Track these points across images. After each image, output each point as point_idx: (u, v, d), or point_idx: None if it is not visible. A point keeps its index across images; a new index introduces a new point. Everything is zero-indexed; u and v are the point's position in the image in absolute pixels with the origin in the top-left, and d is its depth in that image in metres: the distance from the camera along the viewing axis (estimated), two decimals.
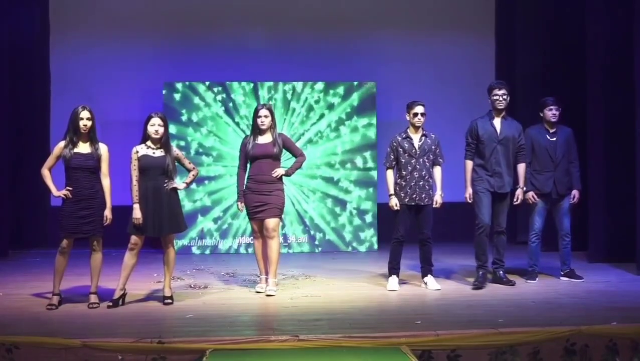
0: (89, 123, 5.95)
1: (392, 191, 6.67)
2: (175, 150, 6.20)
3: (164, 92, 9.56)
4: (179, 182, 6.15)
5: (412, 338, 4.77)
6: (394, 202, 6.62)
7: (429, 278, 6.68)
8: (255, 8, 10.29)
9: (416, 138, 6.63)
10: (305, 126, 9.73)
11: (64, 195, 5.89)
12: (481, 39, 10.57)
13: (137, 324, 5.34)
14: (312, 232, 9.70)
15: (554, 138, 7.04)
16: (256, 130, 6.49)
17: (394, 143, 6.69)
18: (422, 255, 6.72)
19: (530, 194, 7.00)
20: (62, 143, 5.97)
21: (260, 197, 6.40)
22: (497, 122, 6.71)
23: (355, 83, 9.82)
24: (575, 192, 7.09)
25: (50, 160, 6.00)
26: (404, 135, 6.68)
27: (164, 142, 6.06)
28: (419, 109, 6.61)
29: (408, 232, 6.67)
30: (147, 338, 4.69)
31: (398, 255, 6.70)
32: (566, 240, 7.16)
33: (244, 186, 6.52)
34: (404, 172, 6.62)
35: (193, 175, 6.26)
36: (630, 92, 7.56)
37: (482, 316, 5.44)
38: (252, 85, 9.69)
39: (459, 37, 10.42)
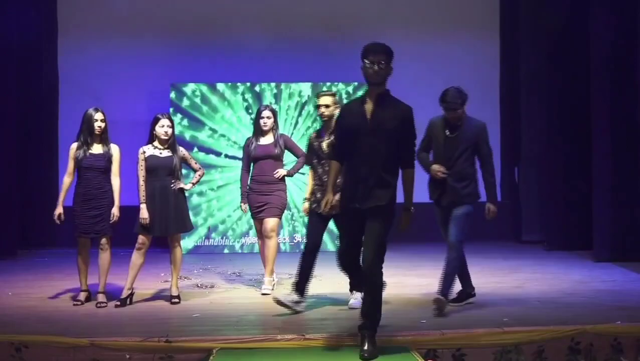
0: (103, 124, 6.02)
1: (306, 195, 6.00)
2: (182, 151, 6.23)
3: (171, 92, 9.59)
4: (185, 182, 6.19)
5: (417, 337, 4.77)
6: (304, 207, 6.00)
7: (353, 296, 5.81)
8: (260, 10, 10.27)
9: (325, 137, 5.78)
10: (308, 127, 9.73)
11: (56, 218, 6.00)
12: (486, 39, 10.51)
13: (144, 323, 5.36)
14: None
15: (454, 134, 5.63)
16: (258, 131, 6.53)
17: (308, 142, 6.00)
18: None
19: (436, 167, 5.62)
20: (74, 145, 6.03)
21: (262, 197, 6.42)
22: (369, 104, 4.58)
23: (361, 84, 9.83)
24: (489, 207, 5.64)
25: (69, 165, 6.06)
26: (315, 135, 5.95)
27: (171, 142, 6.10)
28: (322, 100, 5.76)
29: (318, 242, 5.76)
30: (155, 337, 4.70)
31: (304, 266, 5.68)
32: (449, 259, 5.59)
33: (247, 187, 6.55)
34: (315, 175, 5.89)
35: (199, 175, 6.28)
36: (634, 91, 7.55)
37: (487, 315, 5.44)
38: (256, 86, 9.68)
39: (464, 37, 10.38)
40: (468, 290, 5.92)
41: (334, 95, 5.80)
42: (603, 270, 7.55)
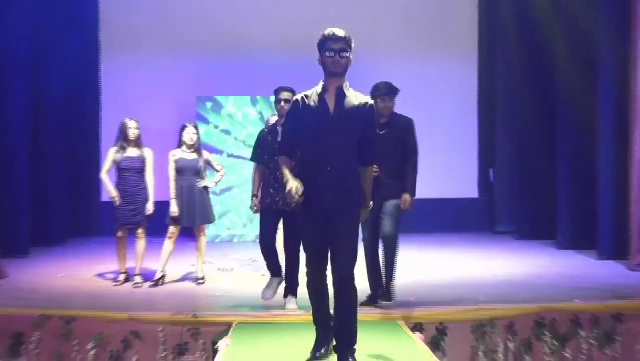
0: (137, 131, 6.10)
1: (254, 191, 5.26)
2: (206, 154, 6.32)
3: (197, 104, 9.59)
4: (209, 181, 6.26)
5: (406, 313, 4.83)
6: (254, 202, 5.25)
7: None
8: (277, 28, 9.99)
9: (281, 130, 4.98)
10: None
11: (114, 198, 6.06)
12: (465, 57, 10.23)
13: (174, 300, 5.43)
14: None
15: (384, 132, 4.93)
16: None
17: (260, 136, 5.31)
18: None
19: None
20: (113, 149, 6.13)
21: None
22: (330, 97, 3.73)
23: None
24: (405, 197, 5.01)
25: (106, 164, 6.17)
26: (270, 127, 5.27)
27: (196, 147, 6.17)
28: (284, 95, 5.07)
29: (275, 239, 5.25)
30: (183, 312, 4.77)
31: (270, 260, 5.21)
32: (386, 249, 5.03)
33: None
34: (270, 172, 5.12)
35: (221, 175, 6.35)
36: (592, 100, 7.53)
37: (466, 294, 5.50)
38: (264, 98, 9.43)
39: (444, 56, 10.11)
40: (376, 294, 5.12)
41: (292, 91, 5.01)
42: (564, 257, 7.57)
